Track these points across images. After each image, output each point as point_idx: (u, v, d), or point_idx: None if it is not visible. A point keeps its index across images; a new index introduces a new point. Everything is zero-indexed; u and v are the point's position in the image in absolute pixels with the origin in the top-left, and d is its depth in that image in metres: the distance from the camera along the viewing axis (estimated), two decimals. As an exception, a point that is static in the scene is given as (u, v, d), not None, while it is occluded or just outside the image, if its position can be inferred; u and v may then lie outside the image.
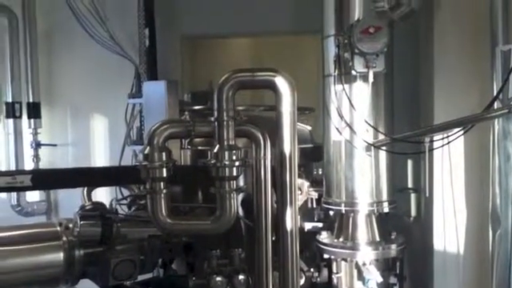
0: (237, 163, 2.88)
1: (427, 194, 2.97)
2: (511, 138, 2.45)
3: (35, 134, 7.69)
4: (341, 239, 3.08)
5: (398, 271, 3.06)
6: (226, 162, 2.87)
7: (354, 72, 2.80)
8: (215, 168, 2.88)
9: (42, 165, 7.69)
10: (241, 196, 3.24)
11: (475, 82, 2.74)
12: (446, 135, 2.69)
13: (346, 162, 3.02)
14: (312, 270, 3.17)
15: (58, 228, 3.22)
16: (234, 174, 2.89)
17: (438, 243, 2.97)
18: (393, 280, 3.00)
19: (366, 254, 2.96)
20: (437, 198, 2.96)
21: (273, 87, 2.81)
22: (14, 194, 7.83)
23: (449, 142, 2.69)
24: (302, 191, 3.31)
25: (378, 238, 3.03)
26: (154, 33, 4.67)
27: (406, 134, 2.77)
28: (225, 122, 2.85)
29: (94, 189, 3.90)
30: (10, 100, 7.65)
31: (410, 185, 3.48)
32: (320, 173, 3.45)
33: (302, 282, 3.07)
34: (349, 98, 2.87)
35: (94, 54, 5.96)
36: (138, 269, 3.20)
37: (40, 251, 3.10)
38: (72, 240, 3.15)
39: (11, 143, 7.60)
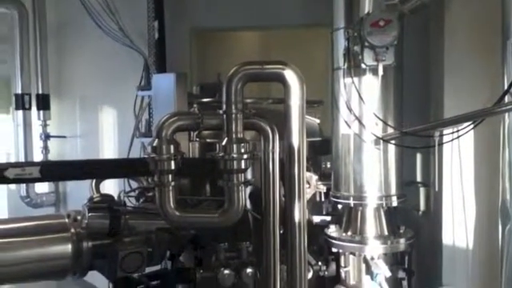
0: (245, 156, 2.88)
1: (436, 189, 2.95)
2: (522, 132, 2.43)
3: (44, 125, 7.74)
4: (349, 233, 3.07)
5: (406, 265, 3.04)
6: (234, 155, 2.86)
7: (363, 65, 2.78)
8: (223, 161, 2.87)
9: (51, 156, 7.73)
10: (249, 189, 3.24)
11: (486, 76, 2.71)
12: (455, 129, 2.67)
13: (355, 155, 3.00)
14: (320, 263, 3.17)
15: (67, 220, 3.23)
16: (242, 166, 2.89)
17: (447, 238, 2.95)
18: (401, 274, 2.99)
19: (374, 248, 2.95)
20: (446, 193, 2.94)
21: (282, 80, 2.80)
22: (23, 186, 7.89)
23: (458, 137, 2.66)
24: (311, 184, 3.30)
25: (386, 232, 3.02)
26: (163, 25, 4.66)
27: (415, 128, 2.75)
28: (233, 115, 2.84)
29: (102, 181, 3.91)
30: (19, 92, 7.69)
31: (418, 179, 3.46)
32: (328, 166, 3.43)
33: (310, 275, 3.06)
34: (358, 91, 2.85)
35: (104, 46, 5.97)
36: (145, 261, 3.21)
37: (48, 243, 3.12)
38: (80, 232, 3.16)
39: (20, 135, 7.64)
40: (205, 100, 3.66)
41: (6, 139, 8.70)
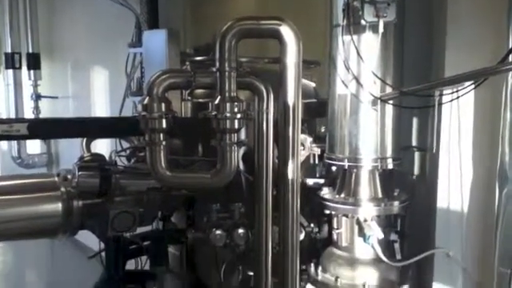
0: (238, 115, 2.81)
1: (434, 150, 2.89)
2: (525, 93, 2.36)
3: (35, 85, 7.64)
4: (342, 195, 3.02)
5: (399, 228, 3.02)
6: (228, 114, 2.79)
7: (363, 22, 2.68)
8: (216, 120, 2.81)
9: (43, 117, 7.65)
10: (242, 150, 3.18)
11: (490, 34, 2.61)
12: (455, 90, 2.59)
13: (351, 116, 2.93)
14: (312, 225, 3.14)
15: (56, 179, 3.19)
16: (236, 126, 2.82)
17: (442, 201, 2.91)
18: (394, 237, 2.97)
19: (367, 210, 2.92)
20: (443, 156, 2.88)
21: (278, 36, 2.70)
22: (14, 146, 7.84)
23: (458, 97, 2.59)
24: (305, 146, 3.24)
25: (380, 195, 2.98)
26: (155, -19, 4.50)
27: (415, 88, 2.67)
28: (227, 73, 2.76)
29: (93, 140, 3.85)
30: (9, 50, 7.55)
31: (414, 143, 3.40)
32: (323, 130, 3.37)
33: (302, 237, 3.04)
34: (357, 49, 2.76)
35: (95, 5, 5.81)
36: (137, 221, 3.18)
37: (38, 201, 3.08)
38: (70, 191, 3.12)
39: (11, 94, 7.55)
40: (198, 58, 3.55)
41: (-4, 99, 8.59)
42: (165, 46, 3.47)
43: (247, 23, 2.72)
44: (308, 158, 3.30)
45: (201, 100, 3.41)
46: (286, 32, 2.68)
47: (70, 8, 7.33)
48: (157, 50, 3.55)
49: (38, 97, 7.61)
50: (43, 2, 8.00)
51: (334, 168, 3.11)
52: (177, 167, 3.09)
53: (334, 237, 3.05)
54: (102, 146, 4.24)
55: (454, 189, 2.85)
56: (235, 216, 3.28)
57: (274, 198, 2.97)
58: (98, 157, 3.51)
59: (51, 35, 8.01)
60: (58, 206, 3.06)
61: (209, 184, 2.95)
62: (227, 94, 2.79)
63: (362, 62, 2.77)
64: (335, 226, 3.03)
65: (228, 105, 2.79)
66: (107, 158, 3.59)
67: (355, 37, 2.76)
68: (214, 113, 2.81)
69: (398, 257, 2.94)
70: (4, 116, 7.84)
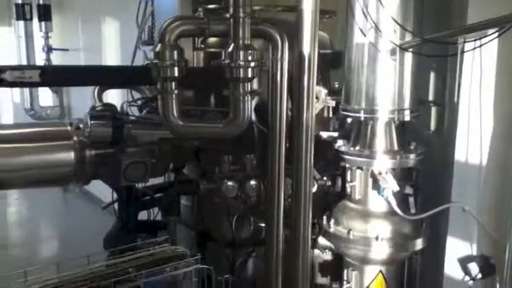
0: (252, 64, 2.74)
1: (455, 100, 2.80)
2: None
3: (46, 37, 7.57)
4: (357, 147, 2.96)
5: (414, 182, 2.97)
6: (241, 63, 2.73)
7: (383, -35, 2.55)
8: (229, 68, 2.74)
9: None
10: (255, 101, 3.12)
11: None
12: (478, 38, 2.48)
13: (369, 66, 2.84)
14: (325, 178, 3.11)
15: (69, 128, 3.17)
16: (249, 75, 2.76)
17: (460, 155, 2.85)
18: (408, 190, 2.92)
19: (382, 163, 2.87)
20: (463, 107, 2.80)
21: (294, -19, 2.60)
22: (27, 98, 7.85)
23: (481, 45, 2.48)
24: (319, 98, 3.17)
25: (396, 147, 2.92)
26: None
27: (436, 35, 2.56)
28: (241, 19, 2.68)
29: (104, 90, 3.81)
30: (19, 1, 7.43)
31: (430, 98, 3.31)
32: (337, 85, 3.29)
33: (314, 190, 3.01)
34: (376, -6, 2.64)
35: (105, -48, 5.65)
36: (149, 171, 3.17)
37: (51, 150, 3.08)
38: (82, 140, 3.10)
39: (22, 46, 7.49)
40: (210, 6, 3.44)
41: (8, 52, 8.55)
42: (177, -8, 3.36)
43: (262, -33, 2.62)
44: (322, 110, 3.24)
45: (213, 50, 3.33)
46: (303, -24, 2.58)
47: (80, -42, 7.17)
48: (168, -3, 3.45)
49: (49, 49, 7.54)
50: (53, -49, 7.81)
51: (349, 120, 3.05)
52: (189, 118, 3.05)
53: (348, 190, 3.01)
54: (113, 97, 4.20)
55: (473, 140, 2.78)
56: (247, 168, 3.25)
57: (286, 150, 2.93)
58: (110, 107, 3.48)
59: (61, -15, 7.87)
60: (71, 155, 3.05)
61: (221, 134, 2.91)
62: (241, 42, 2.72)
63: (381, 7, 2.65)
64: (349, 178, 2.99)
65: (242, 53, 2.72)
66: (119, 109, 3.56)
67: (375, -19, 2.64)
68: (227, 61, 2.75)
69: (413, 210, 2.90)
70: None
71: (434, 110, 3.27)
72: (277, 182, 2.97)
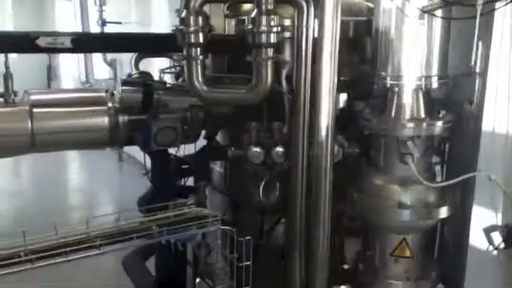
0: (275, 29, 2.74)
1: (483, 68, 2.68)
2: None
3: (101, 11, 7.79)
4: (383, 115, 2.92)
5: (441, 150, 2.90)
6: (264, 28, 2.73)
7: None
8: (252, 34, 2.75)
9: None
10: (285, 70, 3.12)
11: None
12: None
13: (396, 32, 2.77)
14: (350, 146, 3.08)
15: (104, 94, 3.29)
16: (272, 40, 2.76)
17: (487, 124, 2.74)
18: (435, 159, 2.86)
19: (408, 130, 2.81)
20: (491, 76, 2.68)
21: None
22: (82, 72, 8.19)
23: (507, 3, 2.35)
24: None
25: (423, 115, 2.85)
26: None
27: (459, -4, 2.46)
28: (265, -17, 2.67)
29: (142, 58, 3.91)
30: (75, -25, 7.70)
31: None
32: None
33: (340, 156, 3.00)
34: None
35: None
36: (179, 136, 3.25)
37: (86, 115, 3.21)
38: (116, 106, 3.22)
39: (78, 20, 7.79)
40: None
41: (67, 26, 8.91)
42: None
43: None
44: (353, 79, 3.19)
45: (242, 17, 3.34)
46: None
47: None
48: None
49: (103, 22, 7.78)
50: None
51: (375, 87, 3.00)
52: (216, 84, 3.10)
53: (373, 157, 2.98)
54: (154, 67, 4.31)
55: (501, 112, 2.67)
56: (275, 135, 3.27)
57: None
58: (145, 74, 3.59)
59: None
60: (105, 120, 3.18)
61: (243, 100, 2.95)
62: (264, 7, 2.72)
63: (406, -30, 2.57)
64: (374, 145, 2.96)
65: (264, 18, 2.72)
66: (157, 77, 3.66)
67: None
68: (249, 27, 2.76)
69: (438, 179, 2.85)
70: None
71: (461, 79, 3.13)
72: (301, 147, 2.98)
